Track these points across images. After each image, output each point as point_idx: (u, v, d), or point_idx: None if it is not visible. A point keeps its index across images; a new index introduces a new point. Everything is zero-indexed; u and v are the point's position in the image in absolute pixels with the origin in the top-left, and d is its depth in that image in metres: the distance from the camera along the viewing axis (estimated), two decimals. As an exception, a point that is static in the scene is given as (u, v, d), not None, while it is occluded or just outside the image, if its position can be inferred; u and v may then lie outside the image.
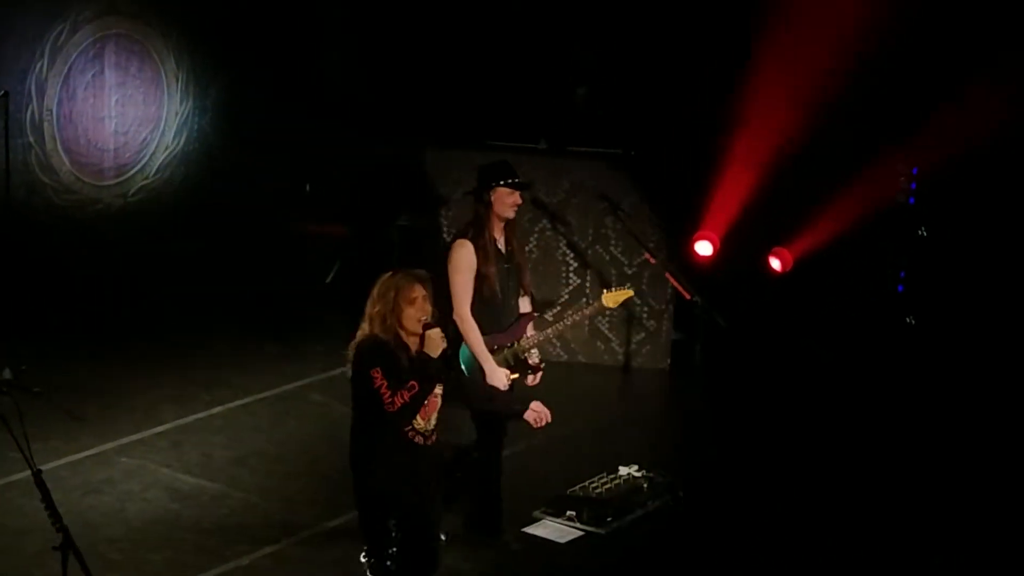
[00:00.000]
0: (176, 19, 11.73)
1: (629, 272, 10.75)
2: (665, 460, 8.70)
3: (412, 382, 6.08)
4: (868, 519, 8.18)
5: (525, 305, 7.65)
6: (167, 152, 11.87)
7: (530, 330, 7.59)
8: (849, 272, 11.05)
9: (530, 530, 7.88)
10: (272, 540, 7.58)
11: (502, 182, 7.36)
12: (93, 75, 11.15)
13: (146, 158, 11.72)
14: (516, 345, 7.50)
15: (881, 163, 10.79)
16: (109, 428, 8.97)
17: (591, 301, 10.32)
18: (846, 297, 11.06)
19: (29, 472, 5.35)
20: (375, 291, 6.24)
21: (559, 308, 10.60)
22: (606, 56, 11.98)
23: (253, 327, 11.26)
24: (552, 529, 7.92)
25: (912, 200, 11.03)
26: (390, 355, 6.12)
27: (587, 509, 7.98)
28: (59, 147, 10.97)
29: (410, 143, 11.54)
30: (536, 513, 8.03)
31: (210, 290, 11.68)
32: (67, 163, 11.06)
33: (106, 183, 11.44)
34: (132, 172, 11.64)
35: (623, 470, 8.48)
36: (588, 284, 10.83)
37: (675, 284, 9.47)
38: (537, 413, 7.45)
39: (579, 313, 7.88)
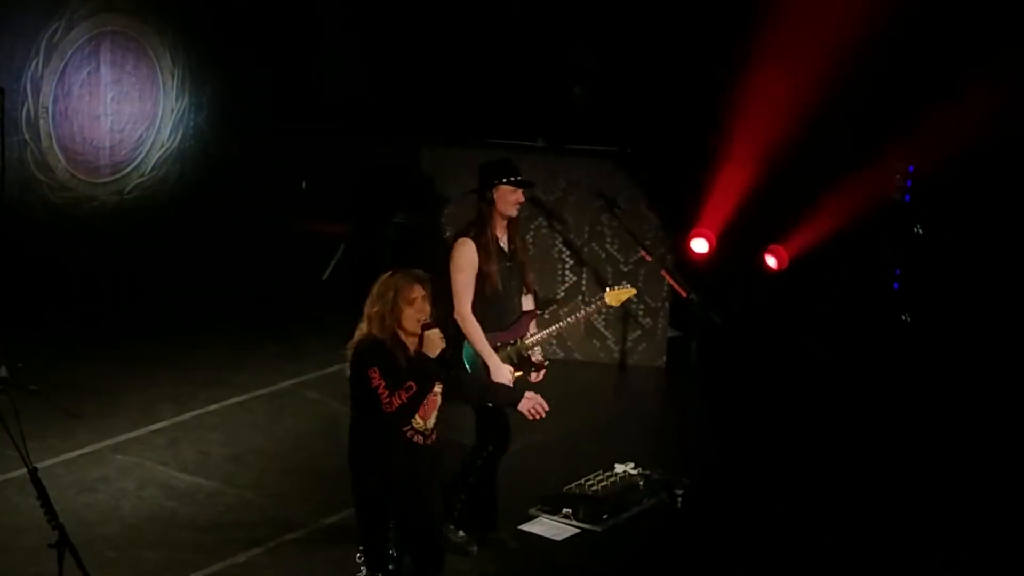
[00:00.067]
0: (172, 16, 11.73)
1: (625, 270, 10.74)
2: (661, 458, 8.70)
3: (410, 382, 6.05)
4: (867, 518, 8.17)
5: (528, 303, 7.61)
6: (163, 149, 11.86)
7: (533, 327, 7.55)
8: (845, 269, 11.07)
9: (526, 528, 7.87)
10: (268, 537, 7.57)
11: (505, 180, 7.33)
12: (89, 72, 11.14)
13: (142, 155, 11.71)
14: (519, 343, 7.46)
15: (877, 161, 10.81)
16: (105, 426, 8.96)
17: (588, 298, 10.38)
18: (842, 294, 11.08)
19: (25, 470, 5.35)
20: (374, 291, 6.21)
21: (555, 306, 10.58)
22: (603, 55, 12.00)
23: (250, 325, 11.25)
24: (548, 527, 7.91)
25: (908, 198, 11.04)
26: (388, 355, 6.10)
27: (583, 507, 7.98)
28: (55, 144, 10.96)
29: (408, 142, 11.54)
30: (532, 511, 8.03)
31: (206, 288, 11.68)
32: (63, 160, 11.05)
33: (102, 180, 11.44)
34: (128, 169, 11.63)
35: (619, 467, 8.50)
36: (584, 282, 10.83)
37: (671, 282, 9.45)
38: (531, 401, 7.15)
39: (580, 311, 7.81)
